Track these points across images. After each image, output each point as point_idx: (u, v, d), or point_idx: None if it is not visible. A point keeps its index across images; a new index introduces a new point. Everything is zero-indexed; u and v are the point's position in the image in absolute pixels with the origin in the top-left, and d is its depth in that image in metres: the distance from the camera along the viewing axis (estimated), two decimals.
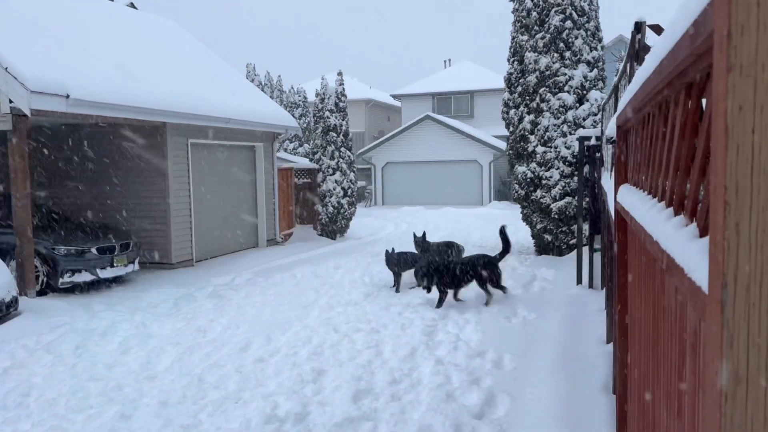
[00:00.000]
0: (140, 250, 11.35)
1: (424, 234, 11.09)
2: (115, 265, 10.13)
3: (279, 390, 5.48)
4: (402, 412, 4.97)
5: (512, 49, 13.99)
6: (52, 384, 5.76)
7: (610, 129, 4.94)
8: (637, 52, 4.91)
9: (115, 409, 5.15)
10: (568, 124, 12.58)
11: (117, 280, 10.61)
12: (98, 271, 9.84)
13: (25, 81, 8.44)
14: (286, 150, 24.77)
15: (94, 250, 9.86)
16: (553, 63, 12.71)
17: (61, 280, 9.49)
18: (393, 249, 10.11)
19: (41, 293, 9.40)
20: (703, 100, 1.36)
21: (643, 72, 1.96)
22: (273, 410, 5.00)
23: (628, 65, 5.69)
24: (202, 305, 8.95)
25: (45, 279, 9.56)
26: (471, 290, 9.64)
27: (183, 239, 12.29)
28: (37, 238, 9.45)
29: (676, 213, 1.53)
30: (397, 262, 9.88)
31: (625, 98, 2.79)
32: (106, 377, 5.92)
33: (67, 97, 8.96)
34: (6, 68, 8.46)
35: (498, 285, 8.79)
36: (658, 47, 1.58)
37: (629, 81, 5.09)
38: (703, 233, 1.18)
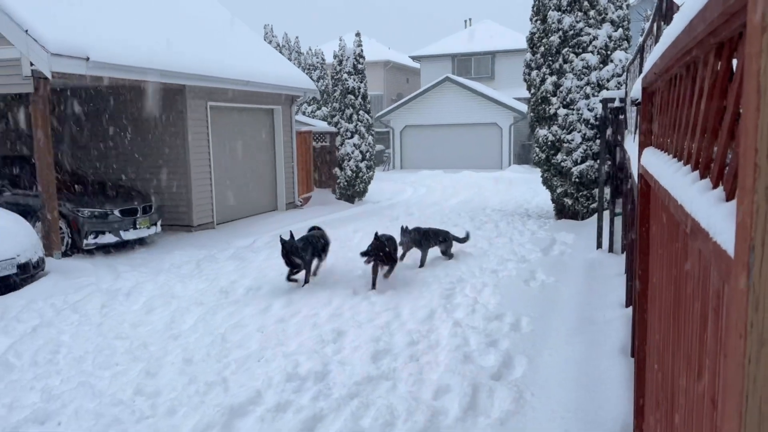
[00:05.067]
0: (162, 212, 11.49)
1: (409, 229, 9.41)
2: (137, 227, 10.29)
3: (300, 349, 5.59)
4: (420, 373, 5.05)
5: (535, 8, 13.67)
6: (79, 342, 5.93)
7: (635, 91, 4.85)
8: (664, 10, 4.77)
9: (141, 366, 5.29)
10: (592, 85, 12.35)
11: (140, 242, 10.79)
12: (121, 233, 10.01)
13: (46, 44, 8.46)
14: (304, 113, 24.68)
15: (117, 213, 10.01)
16: (577, 22, 12.40)
17: (85, 241, 9.68)
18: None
19: (66, 254, 9.61)
20: (734, 61, 1.33)
21: (671, 31, 1.91)
22: (294, 369, 5.11)
23: (655, 24, 5.53)
24: (223, 267, 9.08)
25: (70, 240, 9.75)
26: (491, 257, 9.66)
27: (204, 202, 12.41)
28: (61, 201, 9.61)
29: (702, 176, 1.51)
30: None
31: (651, 59, 2.73)
32: (131, 336, 6.08)
33: (87, 59, 8.99)
34: (26, 30, 8.49)
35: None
36: (688, 5, 1.54)
37: (656, 41, 4.96)
38: (729, 197, 1.17)
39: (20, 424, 4.31)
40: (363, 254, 7.75)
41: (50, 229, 9.21)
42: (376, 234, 7.84)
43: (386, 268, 7.95)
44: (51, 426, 4.29)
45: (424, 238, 9.06)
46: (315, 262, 8.24)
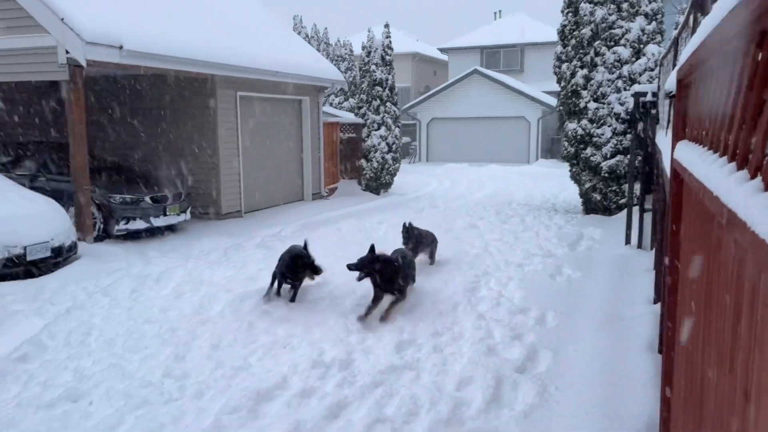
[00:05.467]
0: (191, 200, 11.65)
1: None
2: (167, 214, 10.45)
3: (325, 337, 5.64)
4: (444, 363, 5.07)
5: (567, 0, 13.47)
6: (110, 325, 6.06)
7: (669, 83, 4.77)
8: (701, 1, 4.68)
9: (169, 350, 5.39)
10: (623, 79, 12.16)
11: (170, 229, 10.96)
12: (152, 219, 10.18)
13: (81, 32, 8.62)
14: (331, 104, 24.73)
15: (147, 199, 10.18)
16: (610, 15, 12.21)
17: (116, 227, 9.86)
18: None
19: (98, 239, 9.81)
20: None
21: (710, 20, 1.88)
22: (319, 356, 5.17)
23: (691, 17, 5.43)
24: (251, 255, 9.18)
25: (101, 226, 9.95)
26: (517, 251, 9.60)
27: (232, 191, 12.55)
28: (94, 187, 9.80)
29: (740, 168, 1.49)
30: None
31: (687, 50, 2.68)
32: (160, 320, 6.20)
33: (121, 48, 9.13)
34: (62, 19, 8.65)
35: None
36: None
37: (691, 33, 4.87)
38: None
39: (54, 401, 4.43)
40: (349, 267, 6.27)
41: (83, 214, 9.40)
42: (371, 246, 6.35)
43: (388, 298, 6.31)
44: (83, 404, 4.40)
45: (418, 240, 8.29)
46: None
